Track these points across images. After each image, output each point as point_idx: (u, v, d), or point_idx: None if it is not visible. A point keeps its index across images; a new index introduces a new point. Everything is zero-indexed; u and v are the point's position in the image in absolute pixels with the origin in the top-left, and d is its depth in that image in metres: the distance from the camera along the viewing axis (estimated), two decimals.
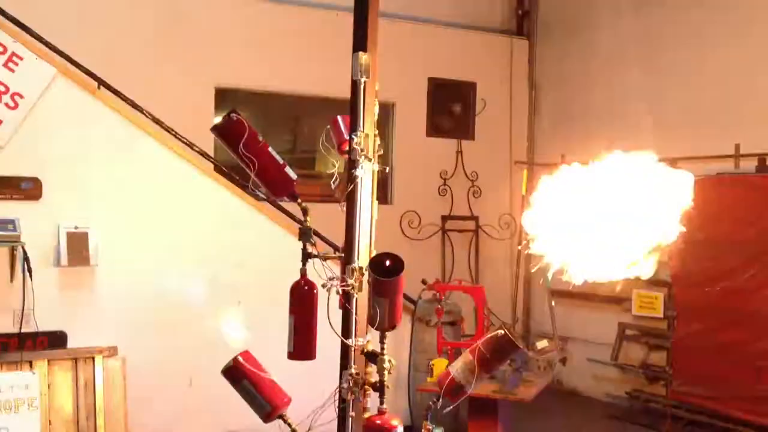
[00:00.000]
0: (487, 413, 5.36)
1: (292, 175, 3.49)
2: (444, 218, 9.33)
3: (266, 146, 3.39)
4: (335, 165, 3.63)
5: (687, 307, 7.13)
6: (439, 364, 5.35)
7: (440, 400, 3.15)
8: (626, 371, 8.19)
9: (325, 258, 3.51)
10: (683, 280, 7.13)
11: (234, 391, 3.51)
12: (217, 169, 6.87)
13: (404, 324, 6.60)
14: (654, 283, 7.57)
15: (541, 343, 5.61)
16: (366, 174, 3.30)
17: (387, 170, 3.51)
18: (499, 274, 9.49)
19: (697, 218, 7.45)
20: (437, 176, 9.29)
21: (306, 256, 3.46)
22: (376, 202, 3.39)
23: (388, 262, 3.00)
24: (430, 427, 3.09)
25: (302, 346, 3.30)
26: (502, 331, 3.17)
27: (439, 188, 9.31)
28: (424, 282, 6.80)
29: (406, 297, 6.80)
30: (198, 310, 6.24)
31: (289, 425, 3.18)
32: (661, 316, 7.42)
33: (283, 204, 7.27)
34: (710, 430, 7.05)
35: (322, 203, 7.58)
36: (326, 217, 4.69)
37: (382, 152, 3.30)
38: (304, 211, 3.52)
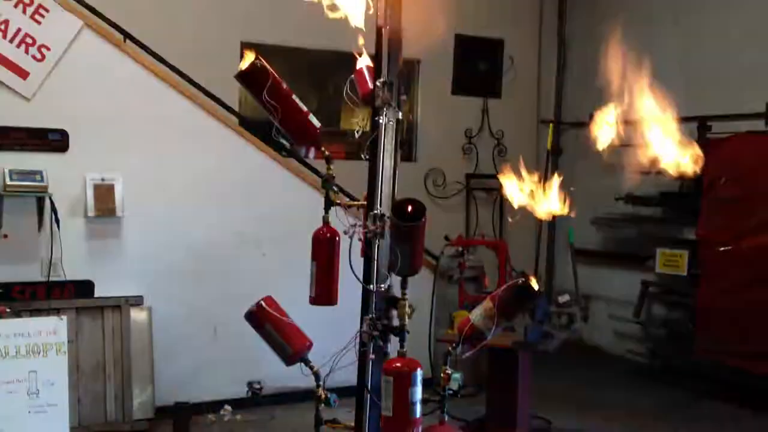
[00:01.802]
0: (507, 365, 5.39)
1: (316, 123, 3.50)
2: (468, 177, 9.31)
3: (290, 93, 3.40)
4: (360, 123, 3.64)
5: (712, 265, 7.08)
6: (460, 316, 5.38)
7: (460, 345, 3.18)
8: (648, 328, 8.19)
9: (347, 206, 3.55)
10: (709, 238, 7.08)
11: (258, 341, 3.56)
12: (242, 123, 6.90)
13: (426, 279, 6.63)
14: (679, 241, 7.55)
15: (563, 297, 5.62)
16: (389, 122, 3.31)
17: (412, 118, 3.52)
18: (523, 233, 9.46)
19: (725, 176, 7.42)
20: (462, 134, 9.25)
21: (328, 203, 3.49)
22: (398, 151, 3.41)
23: (410, 208, 3.02)
24: (449, 372, 3.12)
25: (324, 292, 3.35)
26: (523, 279, 3.19)
27: (463, 147, 9.27)
28: (446, 238, 6.83)
29: (428, 253, 6.82)
30: (222, 261, 6.33)
31: (311, 368, 3.23)
32: (685, 274, 7.38)
33: (307, 160, 7.31)
34: (732, 386, 7.05)
35: (347, 161, 7.62)
36: (350, 176, 4.70)
37: (405, 98, 3.30)
38: (327, 160, 3.54)
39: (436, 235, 6.76)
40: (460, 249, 6.87)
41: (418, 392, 2.96)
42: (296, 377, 3.55)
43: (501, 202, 9.44)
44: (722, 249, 6.95)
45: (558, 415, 6.37)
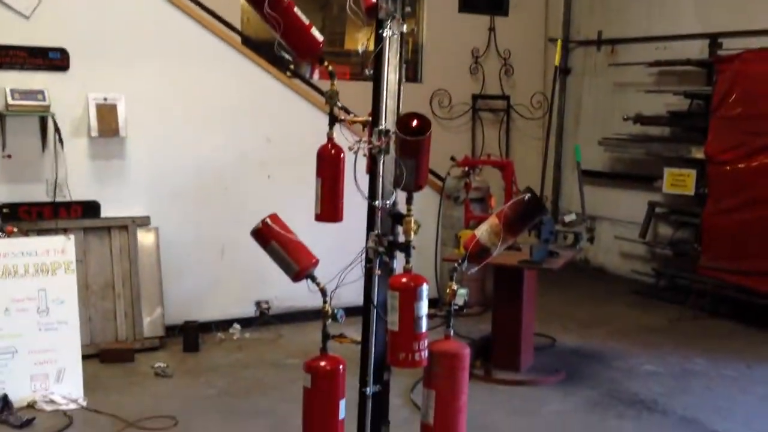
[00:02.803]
0: (513, 284, 5.41)
1: (318, 36, 3.42)
2: (475, 97, 9.21)
3: (292, 5, 3.32)
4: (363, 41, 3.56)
5: (718, 184, 7.04)
6: (466, 235, 5.37)
7: (465, 262, 3.18)
8: (654, 248, 8.21)
9: (351, 122, 3.50)
10: (717, 157, 7.02)
11: (266, 261, 3.56)
12: (245, 42, 6.79)
13: (432, 200, 6.62)
14: (687, 160, 7.49)
15: (569, 217, 5.60)
16: (393, 35, 3.23)
17: (417, 37, 3.44)
18: (530, 155, 9.41)
19: (735, 93, 7.31)
20: (469, 54, 9.11)
21: (333, 120, 3.44)
22: (403, 65, 3.34)
23: (414, 123, 2.97)
24: (455, 288, 3.12)
25: (329, 208, 3.32)
26: (529, 195, 3.16)
27: (470, 66, 9.14)
28: (452, 158, 6.79)
29: (434, 174, 6.79)
30: (228, 181, 6.32)
31: (318, 285, 3.23)
32: (692, 193, 7.35)
33: (311, 81, 7.22)
34: (735, 304, 7.10)
35: (352, 81, 7.50)
36: (355, 97, 4.63)
37: (410, 10, 3.21)
38: (331, 75, 3.47)
39: (442, 157, 6.72)
40: (466, 169, 6.84)
41: (424, 307, 2.96)
42: (303, 297, 3.58)
43: (508, 123, 9.36)
44: (729, 167, 6.90)
45: (562, 333, 6.45)
